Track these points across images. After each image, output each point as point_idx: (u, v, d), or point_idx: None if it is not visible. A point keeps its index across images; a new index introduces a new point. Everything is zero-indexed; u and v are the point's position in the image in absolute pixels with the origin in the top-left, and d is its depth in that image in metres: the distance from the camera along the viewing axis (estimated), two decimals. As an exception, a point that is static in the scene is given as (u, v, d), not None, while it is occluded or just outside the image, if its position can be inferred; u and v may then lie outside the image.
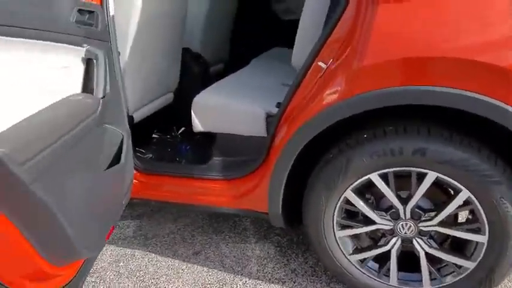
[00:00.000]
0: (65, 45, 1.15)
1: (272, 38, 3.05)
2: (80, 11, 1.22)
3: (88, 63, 1.27)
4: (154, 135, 2.30)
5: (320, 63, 1.34)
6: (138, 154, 2.00)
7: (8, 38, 0.92)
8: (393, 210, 1.38)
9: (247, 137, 1.75)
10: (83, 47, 1.23)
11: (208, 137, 1.90)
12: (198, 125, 1.81)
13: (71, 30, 1.16)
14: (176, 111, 2.33)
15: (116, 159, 1.41)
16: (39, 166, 0.90)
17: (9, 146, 0.82)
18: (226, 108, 1.76)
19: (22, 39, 0.97)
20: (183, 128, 2.32)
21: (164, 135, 2.31)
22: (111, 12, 1.43)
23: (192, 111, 1.80)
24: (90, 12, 1.28)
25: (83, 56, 1.24)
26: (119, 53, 1.55)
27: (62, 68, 1.16)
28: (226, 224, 2.08)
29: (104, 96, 1.25)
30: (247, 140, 1.75)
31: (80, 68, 1.25)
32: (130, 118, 1.89)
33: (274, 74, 2.17)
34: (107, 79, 1.28)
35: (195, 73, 2.41)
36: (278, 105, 1.61)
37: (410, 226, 1.37)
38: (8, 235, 0.93)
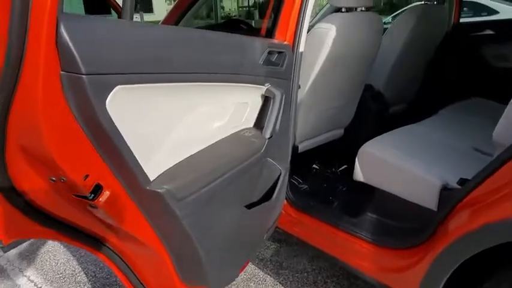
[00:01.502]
0: (249, 85, 1.20)
1: (473, 85, 2.62)
2: (269, 52, 1.25)
3: (266, 100, 1.30)
4: (314, 166, 2.26)
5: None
6: (294, 183, 1.99)
7: (203, 84, 1.00)
8: None
9: (411, 203, 1.53)
10: (265, 85, 1.26)
11: (368, 187, 1.74)
12: (359, 175, 1.68)
13: (257, 71, 1.20)
14: (342, 147, 2.24)
15: (269, 194, 1.42)
16: (194, 203, 0.96)
17: (172, 184, 0.89)
18: (396, 166, 1.56)
19: (216, 83, 1.04)
20: (345, 166, 2.22)
21: (324, 168, 2.25)
22: (301, 49, 1.44)
23: (356, 159, 1.68)
24: (280, 52, 1.31)
25: (263, 93, 1.28)
26: (299, 87, 1.55)
27: (241, 104, 1.21)
28: (365, 285, 1.89)
29: (271, 136, 1.26)
30: (410, 206, 1.53)
31: (258, 105, 1.29)
32: (295, 148, 1.90)
33: (466, 133, 1.84)
34: (278, 120, 1.28)
35: (371, 111, 2.27)
36: (461, 181, 1.35)
37: None
38: (157, 252, 1.03)
